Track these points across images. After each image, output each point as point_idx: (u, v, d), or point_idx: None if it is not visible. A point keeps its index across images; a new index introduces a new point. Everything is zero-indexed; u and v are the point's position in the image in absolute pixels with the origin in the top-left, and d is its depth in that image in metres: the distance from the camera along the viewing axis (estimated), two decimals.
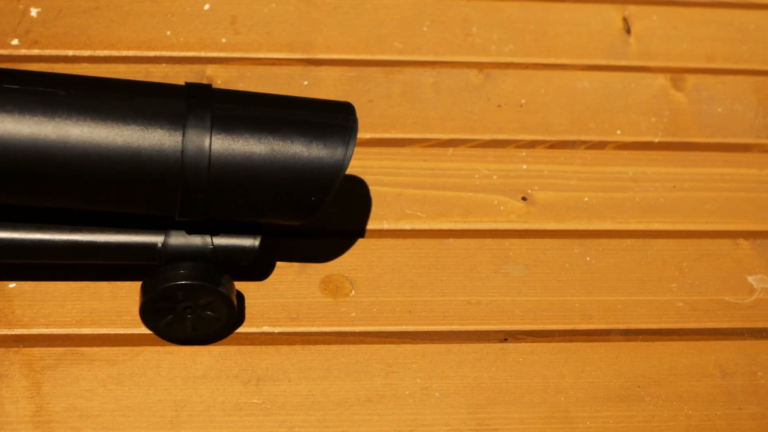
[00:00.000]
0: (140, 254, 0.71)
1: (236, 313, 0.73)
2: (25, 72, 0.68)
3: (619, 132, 0.91)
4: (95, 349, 0.74)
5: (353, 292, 0.79)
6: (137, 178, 0.67)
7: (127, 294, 0.76)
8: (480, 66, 0.94)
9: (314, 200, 0.70)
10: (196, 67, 0.89)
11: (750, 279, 0.84)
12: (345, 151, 0.70)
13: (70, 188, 0.67)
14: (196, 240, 0.71)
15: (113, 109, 0.66)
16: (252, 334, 0.76)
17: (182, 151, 0.67)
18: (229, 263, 0.72)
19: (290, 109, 0.70)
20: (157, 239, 0.71)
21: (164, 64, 0.89)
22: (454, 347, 0.77)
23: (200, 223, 0.71)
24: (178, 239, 0.71)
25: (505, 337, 0.79)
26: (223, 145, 0.68)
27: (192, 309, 0.72)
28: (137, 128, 0.66)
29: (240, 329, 0.76)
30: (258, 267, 0.79)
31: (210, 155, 0.67)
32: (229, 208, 0.69)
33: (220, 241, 0.72)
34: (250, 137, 0.68)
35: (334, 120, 0.71)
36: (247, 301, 0.77)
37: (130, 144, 0.66)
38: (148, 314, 0.72)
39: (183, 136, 0.67)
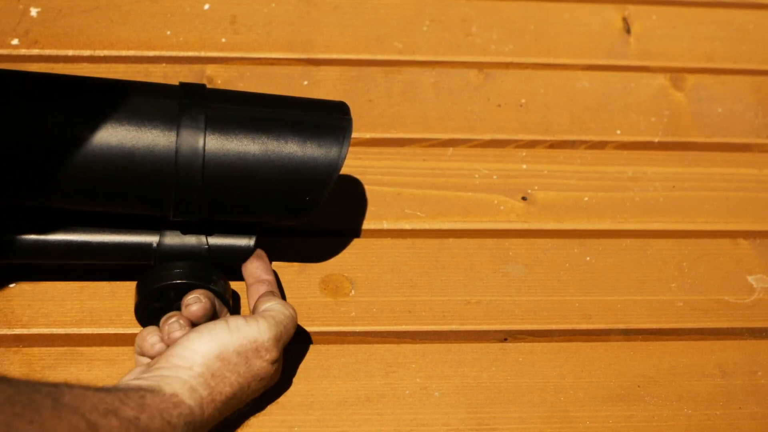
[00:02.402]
0: (135, 254, 0.71)
1: (231, 311, 0.73)
2: (18, 72, 0.68)
3: (618, 132, 0.91)
4: (95, 348, 0.74)
5: (353, 291, 0.79)
6: (131, 178, 0.67)
7: (127, 294, 0.76)
8: (480, 66, 0.94)
9: (309, 200, 0.70)
10: (196, 67, 0.89)
11: (750, 279, 0.84)
12: (339, 151, 0.70)
13: (65, 189, 0.67)
14: (191, 240, 0.71)
15: (107, 110, 0.66)
16: None
17: (176, 152, 0.67)
18: (224, 263, 0.72)
19: (284, 109, 0.70)
20: (152, 239, 0.71)
21: (164, 64, 0.89)
22: (454, 347, 0.77)
23: (195, 222, 0.71)
24: (173, 239, 0.71)
25: (505, 336, 0.79)
26: (216, 145, 0.68)
27: None
28: (131, 129, 0.66)
29: None
30: None
31: (204, 155, 0.67)
32: (223, 207, 0.69)
33: (215, 240, 0.72)
34: (244, 137, 0.68)
35: (329, 119, 0.71)
36: None
37: (124, 144, 0.66)
38: (143, 315, 0.72)
39: (177, 136, 0.67)
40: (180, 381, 0.63)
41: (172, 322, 0.68)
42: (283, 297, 0.77)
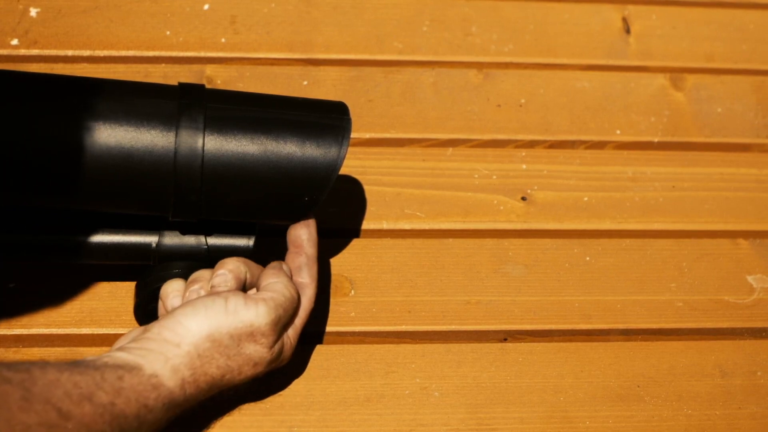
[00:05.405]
0: (135, 254, 0.71)
1: None
2: (17, 73, 0.68)
3: (618, 132, 0.91)
4: (94, 349, 0.74)
5: (353, 291, 0.79)
6: (130, 179, 0.67)
7: (127, 294, 0.76)
8: (479, 66, 0.94)
9: (308, 200, 0.70)
10: (196, 67, 0.89)
11: (749, 279, 0.84)
12: (338, 151, 0.70)
13: (64, 189, 0.67)
14: (190, 240, 0.71)
15: (106, 110, 0.66)
16: None
17: (175, 152, 0.67)
18: None
19: (283, 109, 0.70)
20: (152, 239, 0.71)
21: (164, 64, 0.89)
22: (454, 347, 0.77)
23: (195, 223, 0.71)
24: (173, 239, 0.71)
25: (505, 336, 0.79)
26: (215, 145, 0.68)
27: None
28: (130, 129, 0.66)
29: None
30: None
31: (203, 156, 0.67)
32: (222, 208, 0.69)
33: (214, 241, 0.72)
34: (243, 137, 0.68)
35: (328, 119, 0.71)
36: None
37: (123, 145, 0.66)
38: (142, 315, 0.72)
39: (176, 136, 0.67)
40: (162, 359, 0.62)
41: (195, 290, 0.67)
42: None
